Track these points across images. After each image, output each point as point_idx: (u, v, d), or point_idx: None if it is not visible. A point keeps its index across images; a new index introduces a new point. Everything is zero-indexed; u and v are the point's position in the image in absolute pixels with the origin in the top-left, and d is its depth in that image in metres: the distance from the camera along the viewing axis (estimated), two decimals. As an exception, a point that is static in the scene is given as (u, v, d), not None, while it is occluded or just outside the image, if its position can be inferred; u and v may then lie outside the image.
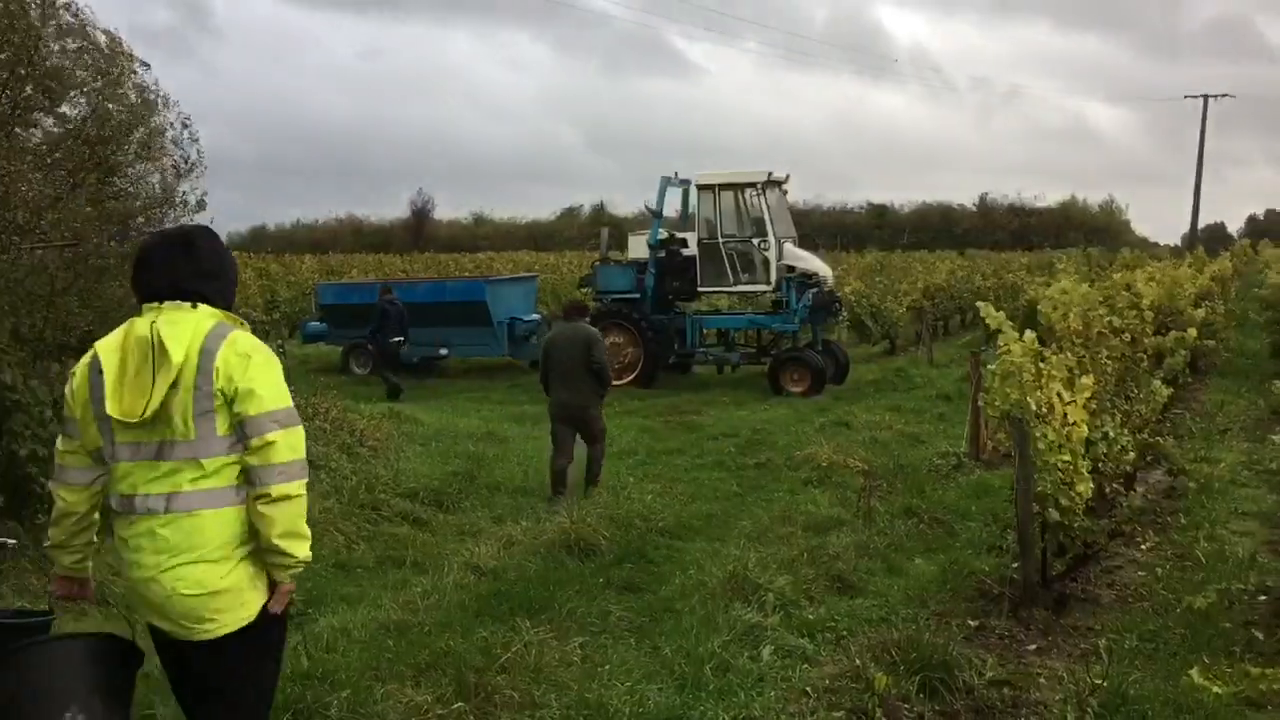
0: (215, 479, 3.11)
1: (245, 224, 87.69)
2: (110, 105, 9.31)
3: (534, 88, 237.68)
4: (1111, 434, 6.79)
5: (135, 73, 10.34)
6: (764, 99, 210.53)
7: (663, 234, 17.17)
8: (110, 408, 3.10)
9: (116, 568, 3.65)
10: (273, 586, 3.24)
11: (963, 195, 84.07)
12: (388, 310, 16.70)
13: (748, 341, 18.28)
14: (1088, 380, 6.16)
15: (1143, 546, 7.42)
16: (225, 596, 3.12)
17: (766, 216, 16.42)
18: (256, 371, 3.13)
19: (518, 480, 9.76)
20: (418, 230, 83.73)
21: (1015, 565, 6.35)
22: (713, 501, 9.01)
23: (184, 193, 10.12)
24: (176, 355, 3.08)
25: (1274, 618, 5.88)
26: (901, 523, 7.97)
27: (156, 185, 10.19)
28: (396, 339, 16.73)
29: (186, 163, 10.18)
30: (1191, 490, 8.81)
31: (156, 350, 3.11)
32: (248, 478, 3.13)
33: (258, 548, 3.17)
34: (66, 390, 3.25)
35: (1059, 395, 5.97)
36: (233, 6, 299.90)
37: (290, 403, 3.21)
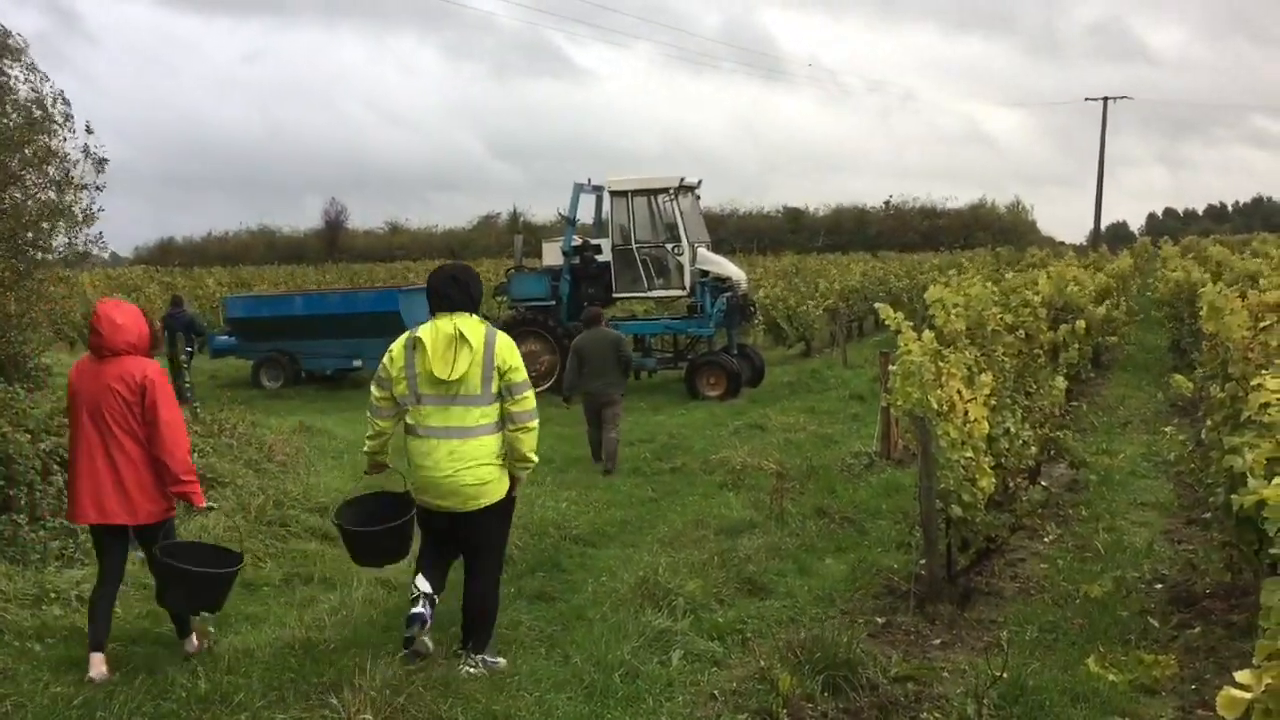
0: (488, 418, 5.10)
1: (151, 235, 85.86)
2: None
3: (426, 93, 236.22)
4: (1013, 429, 6.94)
5: (20, 77, 10.02)
6: (660, 103, 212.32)
7: (576, 240, 17.15)
8: (438, 371, 5.00)
9: (408, 469, 5.31)
10: (513, 481, 5.27)
11: (873, 198, 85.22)
12: (171, 322, 17.14)
13: (663, 346, 18.35)
14: (987, 378, 6.29)
15: (1045, 539, 7.60)
16: (490, 485, 5.13)
17: (680, 221, 16.50)
18: (514, 356, 5.16)
19: (431, 492, 9.63)
20: (331, 240, 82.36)
21: (922, 562, 6.45)
22: (627, 508, 9.00)
23: (76, 204, 9.85)
24: (475, 342, 5.04)
25: (1169, 605, 6.07)
26: (813, 523, 8.04)
27: (51, 195, 9.91)
28: (188, 349, 17.43)
29: (68, 176, 9.90)
30: (1093, 482, 9.06)
31: (459, 339, 5.02)
32: (508, 418, 5.12)
33: (505, 458, 5.17)
34: (385, 358, 5.22)
35: (959, 393, 6.08)
36: (104, 10, 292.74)
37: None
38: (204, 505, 5.76)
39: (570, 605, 6.33)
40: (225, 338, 20.12)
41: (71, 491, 5.39)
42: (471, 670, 5.13)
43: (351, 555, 5.73)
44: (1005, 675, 4.65)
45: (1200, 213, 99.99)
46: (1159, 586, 6.43)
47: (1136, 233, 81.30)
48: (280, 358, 18.85)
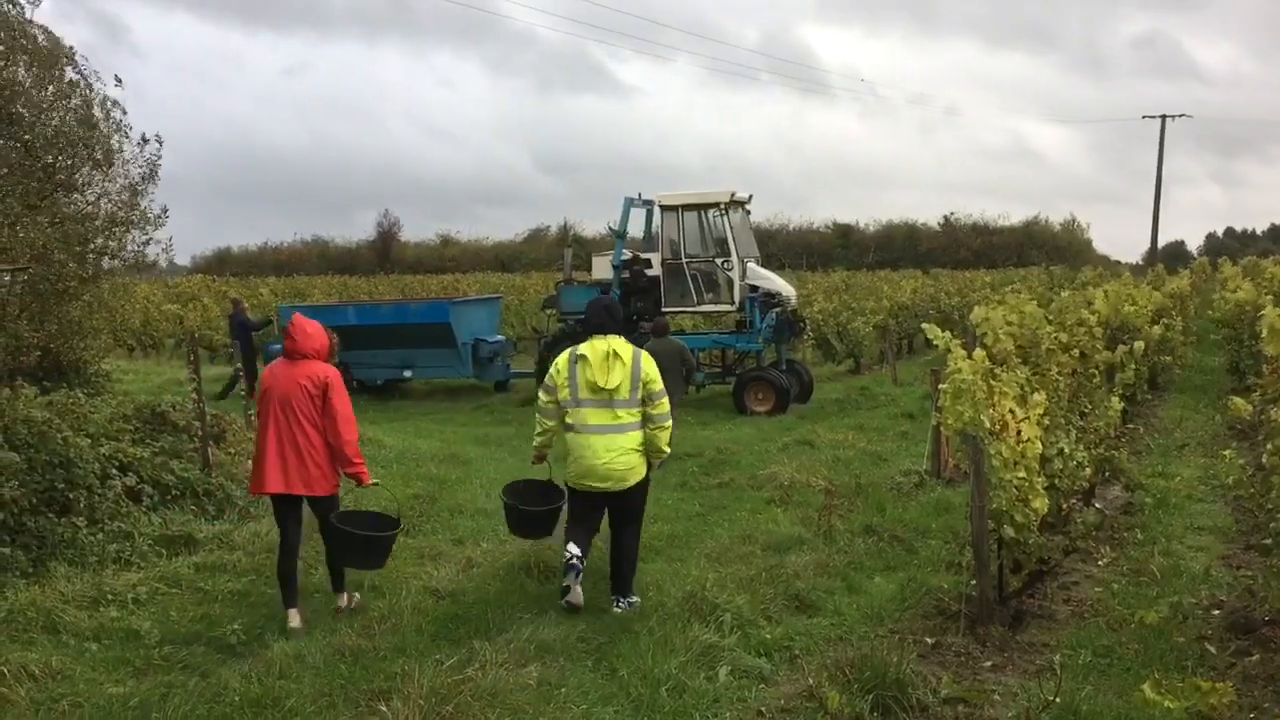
0: (634, 417, 6.39)
1: (206, 246, 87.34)
2: (58, 115, 9.19)
3: (469, 107, 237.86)
4: (1067, 450, 6.84)
5: (86, 82, 10.22)
6: (701, 117, 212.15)
7: (626, 255, 17.19)
8: (599, 380, 6.30)
9: (569, 457, 6.50)
10: (649, 465, 6.57)
11: (919, 213, 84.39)
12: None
13: (712, 361, 18.32)
14: (1040, 397, 6.21)
15: (1099, 562, 7.48)
16: (635, 468, 6.42)
17: (730, 236, 16.49)
18: (653, 369, 6.46)
19: (479, 502, 9.71)
20: (384, 252, 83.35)
21: (973, 582, 6.38)
22: (674, 522, 8.99)
23: (143, 208, 10.02)
24: (625, 358, 6.37)
25: (1226, 632, 5.94)
26: (861, 541, 7.99)
27: (115, 200, 10.10)
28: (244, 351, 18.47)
29: (143, 178, 10.07)
30: (1148, 505, 8.90)
31: (613, 355, 6.34)
32: (648, 418, 6.41)
33: (645, 449, 6.46)
34: (553, 369, 6.57)
35: (1011, 412, 6.01)
36: (150, 23, 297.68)
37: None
38: (370, 482, 6.68)
39: (617, 618, 6.33)
40: (279, 345, 20.39)
41: (257, 467, 6.45)
42: (619, 609, 6.43)
43: (511, 528, 7.18)
44: (1058, 699, 4.59)
45: (1260, 233, 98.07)
46: (1216, 613, 6.30)
47: (1194, 252, 79.88)
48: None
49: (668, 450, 6.62)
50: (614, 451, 6.33)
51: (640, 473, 6.46)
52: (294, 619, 6.31)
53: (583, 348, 6.42)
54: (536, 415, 6.70)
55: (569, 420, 6.45)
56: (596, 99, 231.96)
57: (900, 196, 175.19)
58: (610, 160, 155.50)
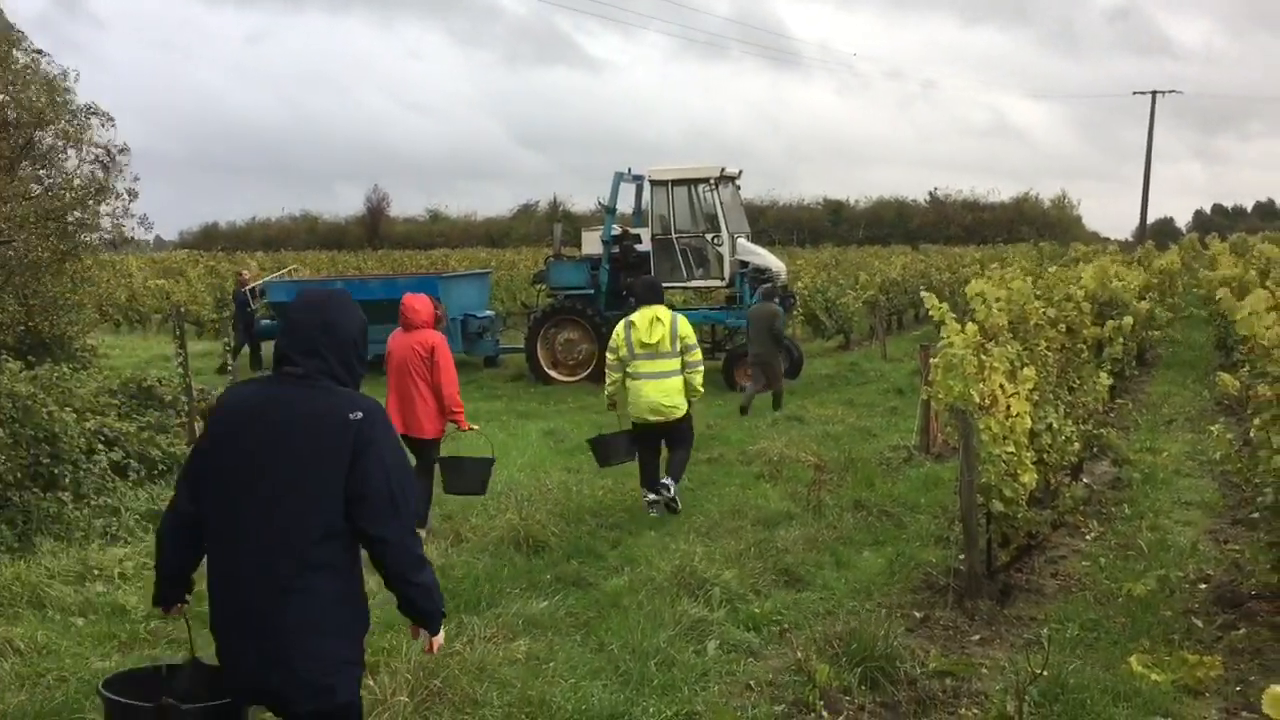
0: (674, 366, 8.16)
1: (189, 222, 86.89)
2: (13, 87, 9.09)
3: (443, 81, 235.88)
4: (1055, 425, 6.85)
5: (36, 56, 10.10)
6: (678, 92, 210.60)
7: (616, 230, 17.12)
8: (645, 339, 8.10)
9: (630, 402, 8.33)
10: (689, 403, 8.40)
11: (905, 190, 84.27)
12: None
13: (702, 337, 18.28)
14: (1029, 372, 6.20)
15: (1087, 536, 7.51)
16: (679, 405, 8.21)
17: (720, 212, 16.42)
18: (687, 328, 8.30)
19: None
20: (373, 227, 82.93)
21: (961, 557, 6.39)
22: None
23: (112, 184, 9.91)
24: (665, 321, 8.16)
25: (1213, 605, 5.98)
26: (851, 516, 8.00)
27: (87, 174, 9.98)
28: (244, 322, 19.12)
29: (109, 153, 9.97)
30: (1136, 480, 8.93)
31: (656, 320, 8.15)
32: (686, 366, 8.19)
33: (685, 390, 8.25)
34: (614, 335, 8.38)
35: (1001, 387, 6.00)
36: None
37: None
38: (469, 427, 7.97)
39: (606, 592, 6.31)
40: (269, 321, 20.31)
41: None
42: (663, 490, 8.28)
43: (601, 459, 8.71)
44: (1045, 672, 4.60)
45: (1249, 209, 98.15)
46: (1203, 587, 6.33)
47: (1183, 229, 79.98)
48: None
49: (701, 391, 8.49)
50: (661, 392, 8.17)
51: (683, 409, 8.31)
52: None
53: (633, 316, 8.38)
54: (606, 370, 8.56)
55: (629, 370, 8.28)
56: (567, 71, 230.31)
57: (884, 174, 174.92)
58: (589, 135, 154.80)
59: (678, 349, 8.19)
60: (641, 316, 8.28)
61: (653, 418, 8.25)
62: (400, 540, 3.08)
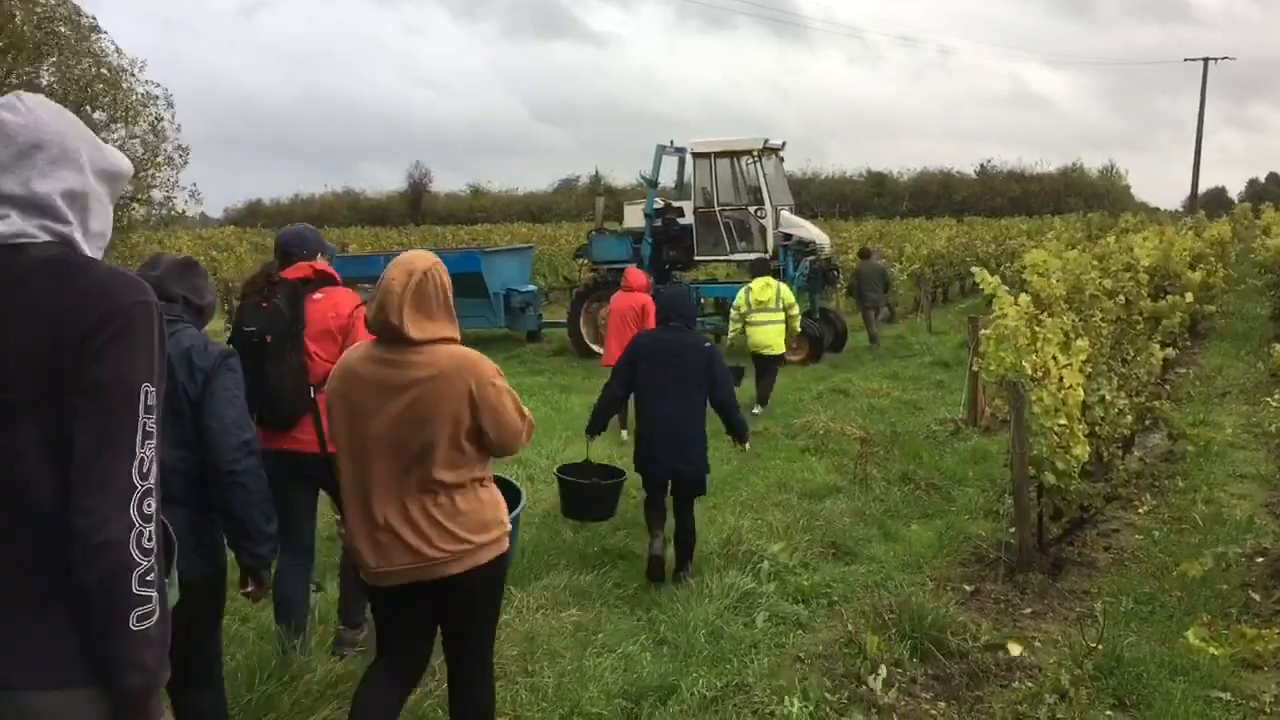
0: (779, 318, 11.58)
1: (235, 198, 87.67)
2: (77, 67, 9.22)
3: (452, 58, 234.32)
4: (1108, 397, 6.74)
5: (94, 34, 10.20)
6: (686, 64, 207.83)
7: (659, 203, 17.05)
8: (760, 297, 11.49)
9: (749, 340, 11.49)
10: (785, 346, 11.90)
11: (935, 161, 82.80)
12: None
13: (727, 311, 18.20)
14: (1083, 343, 6.10)
15: (1140, 510, 7.40)
16: (776, 344, 11.54)
17: (763, 184, 16.30)
18: (789, 294, 11.80)
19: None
20: (415, 203, 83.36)
21: (1011, 530, 6.32)
22: (710, 470, 8.95)
23: (166, 151, 10.02)
24: (773, 286, 11.69)
25: (1271, 579, 5.87)
26: (898, 489, 7.94)
27: (139, 146, 10.07)
28: None
29: (159, 121, 10.07)
30: (1190, 454, 8.77)
31: (767, 285, 11.65)
32: (787, 316, 11.67)
33: (786, 332, 11.70)
34: (737, 297, 11.77)
35: (1054, 358, 5.91)
36: None
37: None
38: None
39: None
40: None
41: (608, 354, 9.96)
42: (756, 410, 11.33)
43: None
44: (1100, 646, 4.54)
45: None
46: (1259, 560, 6.22)
47: (1235, 199, 78.32)
48: None
49: (799, 330, 12.05)
50: (770, 334, 11.36)
51: (780, 346, 11.49)
52: None
53: (752, 283, 11.67)
54: (731, 320, 11.78)
55: (748, 320, 11.45)
56: (571, 45, 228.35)
57: (913, 146, 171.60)
58: (605, 110, 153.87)
59: (780, 305, 11.41)
60: (757, 283, 11.61)
61: (764, 350, 11.41)
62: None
